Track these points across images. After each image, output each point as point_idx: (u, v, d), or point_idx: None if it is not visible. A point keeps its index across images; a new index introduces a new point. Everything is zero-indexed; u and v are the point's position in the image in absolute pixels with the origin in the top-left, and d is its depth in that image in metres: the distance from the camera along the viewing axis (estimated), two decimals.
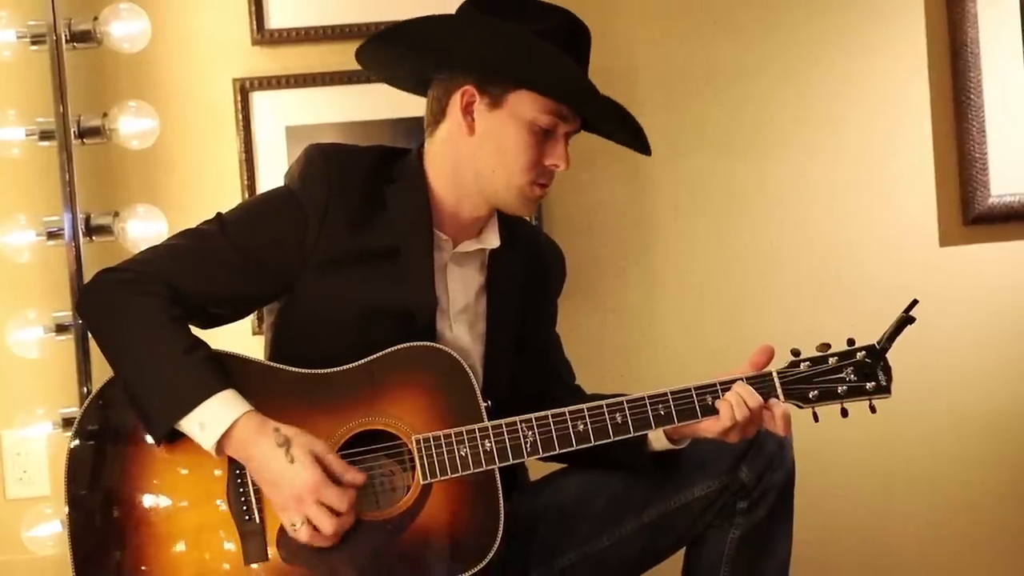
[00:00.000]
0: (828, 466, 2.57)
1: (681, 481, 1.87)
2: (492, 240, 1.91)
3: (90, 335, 1.79)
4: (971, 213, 2.64)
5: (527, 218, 1.96)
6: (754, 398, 1.74)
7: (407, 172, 1.86)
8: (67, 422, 2.32)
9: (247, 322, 2.47)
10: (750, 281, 2.63)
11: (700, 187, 2.62)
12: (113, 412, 1.73)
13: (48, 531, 2.33)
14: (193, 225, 1.83)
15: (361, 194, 1.80)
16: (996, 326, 2.66)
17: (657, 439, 1.83)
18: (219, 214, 1.82)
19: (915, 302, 1.75)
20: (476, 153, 1.82)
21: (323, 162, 1.81)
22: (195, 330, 1.75)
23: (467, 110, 1.81)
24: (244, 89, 2.53)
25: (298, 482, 1.64)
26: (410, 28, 1.78)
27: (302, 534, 1.66)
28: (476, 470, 1.72)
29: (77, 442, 1.71)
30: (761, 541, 1.87)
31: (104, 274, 1.76)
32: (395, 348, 1.75)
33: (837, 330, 2.54)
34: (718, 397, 1.75)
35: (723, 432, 1.75)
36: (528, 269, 1.97)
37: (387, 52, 1.86)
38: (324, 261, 1.78)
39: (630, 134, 1.89)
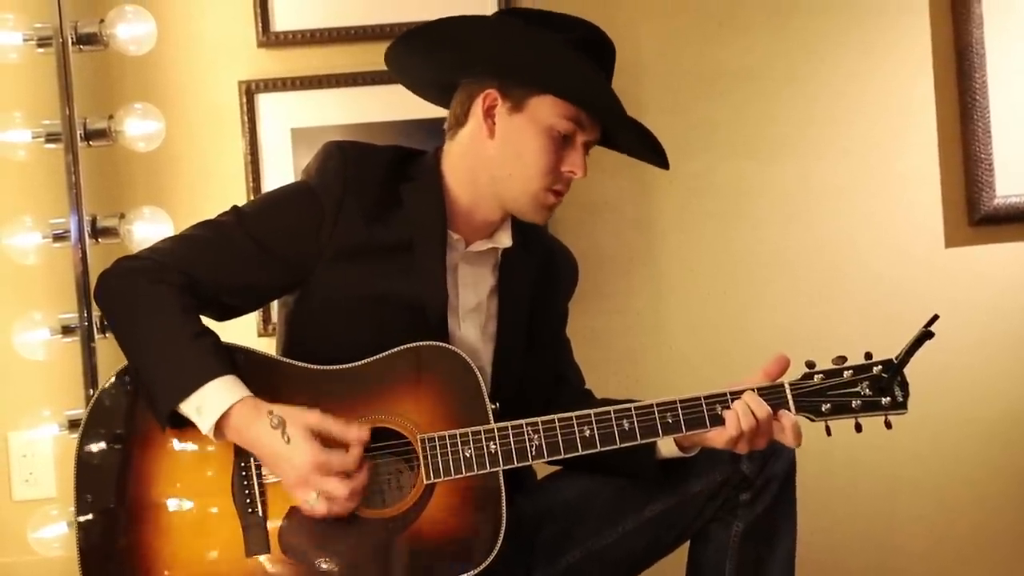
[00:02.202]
0: (833, 467, 2.57)
1: (683, 476, 1.87)
2: (504, 240, 1.91)
3: (106, 321, 1.82)
4: (977, 214, 2.63)
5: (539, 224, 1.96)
6: (762, 408, 1.72)
7: (424, 171, 1.87)
8: (73, 424, 2.33)
9: (253, 323, 2.48)
10: (756, 282, 2.63)
11: (706, 188, 2.61)
12: (123, 403, 1.74)
13: (54, 532, 2.33)
14: None
15: (377, 189, 1.81)
16: (1001, 327, 2.66)
17: (666, 446, 1.83)
18: (235, 206, 1.84)
19: (935, 317, 1.71)
20: (494, 156, 1.83)
21: (340, 157, 1.82)
22: (208, 322, 1.76)
23: (488, 113, 1.82)
24: (250, 91, 2.53)
25: (297, 462, 1.64)
26: (438, 27, 1.78)
27: (320, 509, 1.66)
28: (480, 472, 1.72)
29: (86, 433, 1.72)
30: (765, 533, 1.87)
31: (122, 261, 1.78)
32: (404, 347, 1.76)
33: (842, 331, 2.58)
34: (728, 407, 1.73)
35: (730, 441, 1.73)
36: (540, 272, 1.98)
37: (416, 51, 1.86)
38: (338, 253, 1.79)
39: (649, 148, 1.89)
